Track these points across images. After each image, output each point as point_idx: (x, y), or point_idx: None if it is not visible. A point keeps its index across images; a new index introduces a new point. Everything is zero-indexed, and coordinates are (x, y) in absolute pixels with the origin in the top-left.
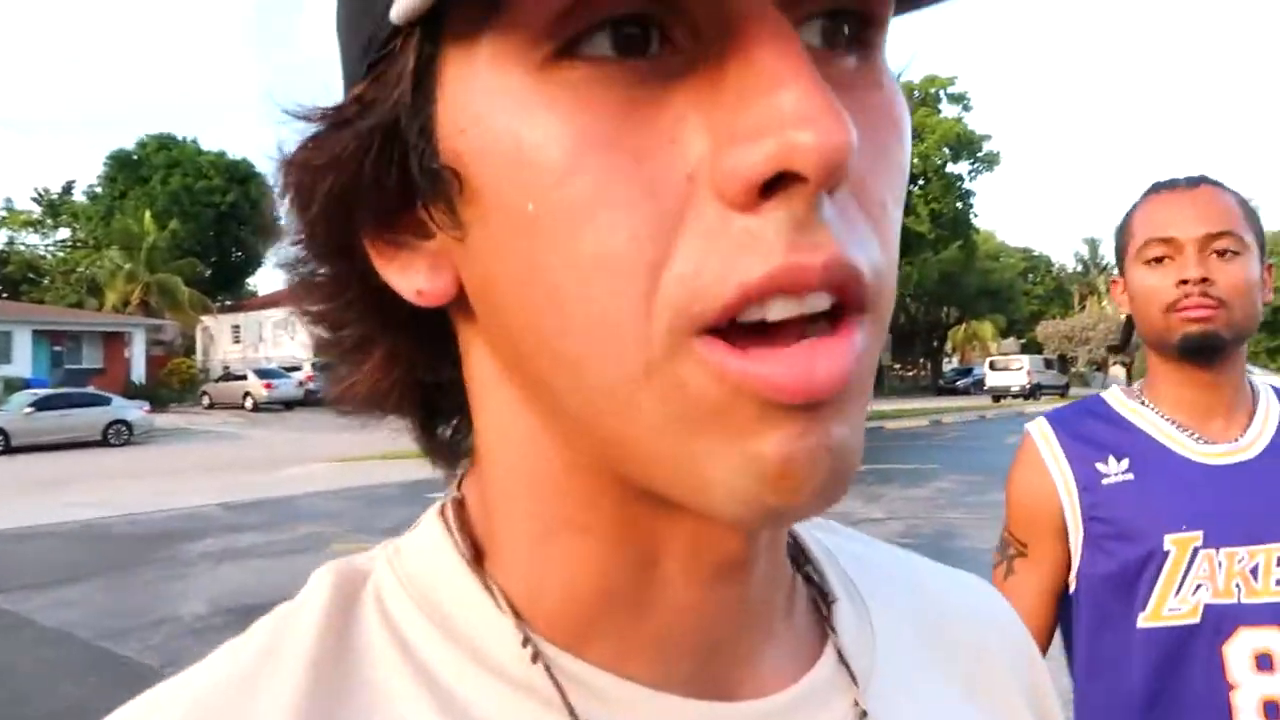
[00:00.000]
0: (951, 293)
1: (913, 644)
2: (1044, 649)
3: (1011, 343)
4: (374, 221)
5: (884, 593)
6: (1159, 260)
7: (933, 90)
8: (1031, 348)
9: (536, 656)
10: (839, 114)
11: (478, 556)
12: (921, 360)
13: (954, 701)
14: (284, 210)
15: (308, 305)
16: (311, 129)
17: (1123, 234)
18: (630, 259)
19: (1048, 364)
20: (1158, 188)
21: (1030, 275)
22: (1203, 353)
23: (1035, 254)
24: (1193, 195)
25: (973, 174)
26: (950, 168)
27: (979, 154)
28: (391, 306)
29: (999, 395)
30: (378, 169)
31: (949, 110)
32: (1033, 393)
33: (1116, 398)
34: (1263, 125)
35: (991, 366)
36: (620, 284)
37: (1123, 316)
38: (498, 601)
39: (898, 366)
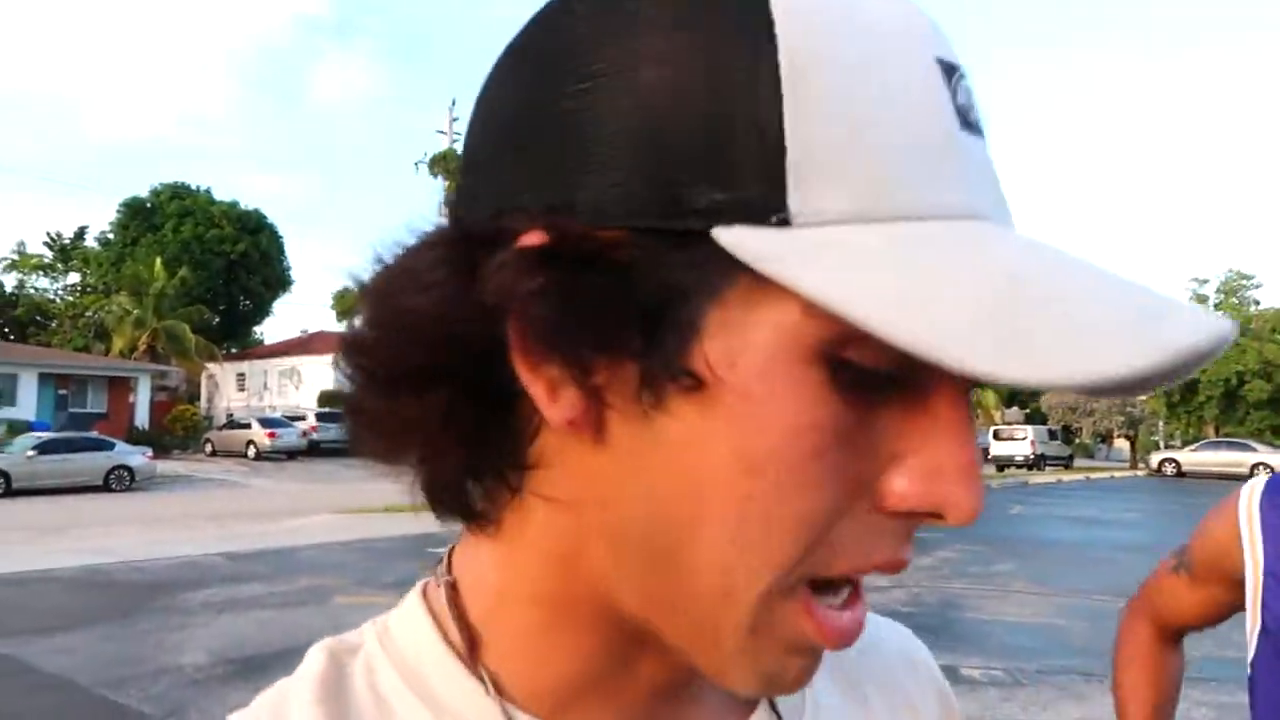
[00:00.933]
0: None
1: (835, 687)
2: (1176, 639)
3: (1015, 412)
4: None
5: None
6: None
7: None
8: (1035, 418)
9: None
10: (980, 484)
11: (471, 642)
12: None
13: None
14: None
15: (396, 384)
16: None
17: None
18: (810, 528)
19: (1051, 435)
20: None
21: None
22: None
23: None
24: None
25: None
26: None
27: None
28: (486, 389)
29: (1003, 465)
30: (621, 322)
31: None
32: (1036, 463)
33: None
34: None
35: (996, 436)
36: (789, 541)
37: None
38: (487, 687)
39: None
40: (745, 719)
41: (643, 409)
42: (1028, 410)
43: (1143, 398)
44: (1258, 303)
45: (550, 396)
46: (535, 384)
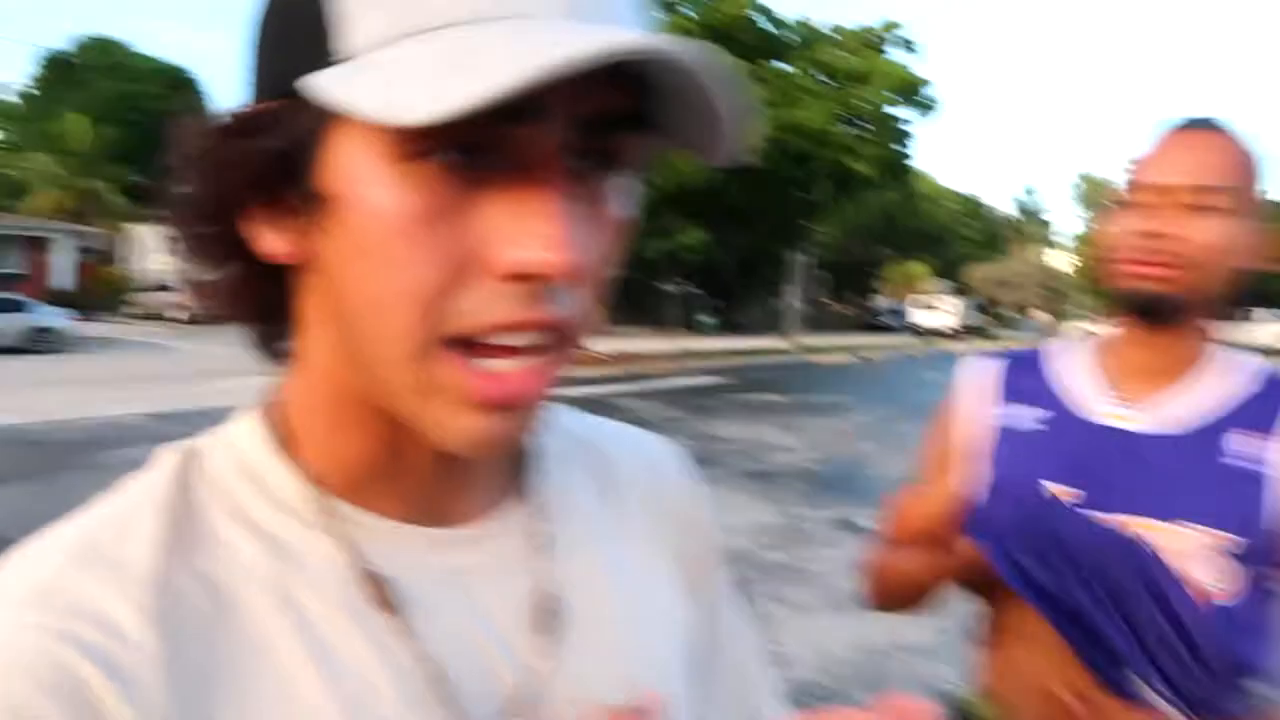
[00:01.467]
0: (889, 233)
1: (594, 485)
2: None
3: (947, 284)
4: (256, 202)
5: (572, 451)
6: (1129, 205)
7: (881, 35)
8: (963, 291)
9: (320, 503)
10: (571, 245)
11: (288, 439)
12: (857, 297)
13: (613, 523)
14: (182, 180)
15: (195, 252)
16: (225, 121)
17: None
18: (418, 296)
19: (981, 308)
20: (1166, 127)
21: (967, 219)
22: (1148, 311)
23: (973, 198)
24: (1185, 140)
25: (914, 120)
26: (893, 110)
27: (921, 100)
28: (251, 255)
29: (919, 331)
30: (274, 173)
31: (897, 56)
32: (959, 333)
33: (1058, 348)
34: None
35: (917, 305)
36: (406, 308)
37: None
38: (296, 471)
39: (831, 302)
40: (503, 502)
41: (317, 234)
42: (958, 284)
43: (1062, 276)
44: None
45: (264, 243)
46: (255, 238)
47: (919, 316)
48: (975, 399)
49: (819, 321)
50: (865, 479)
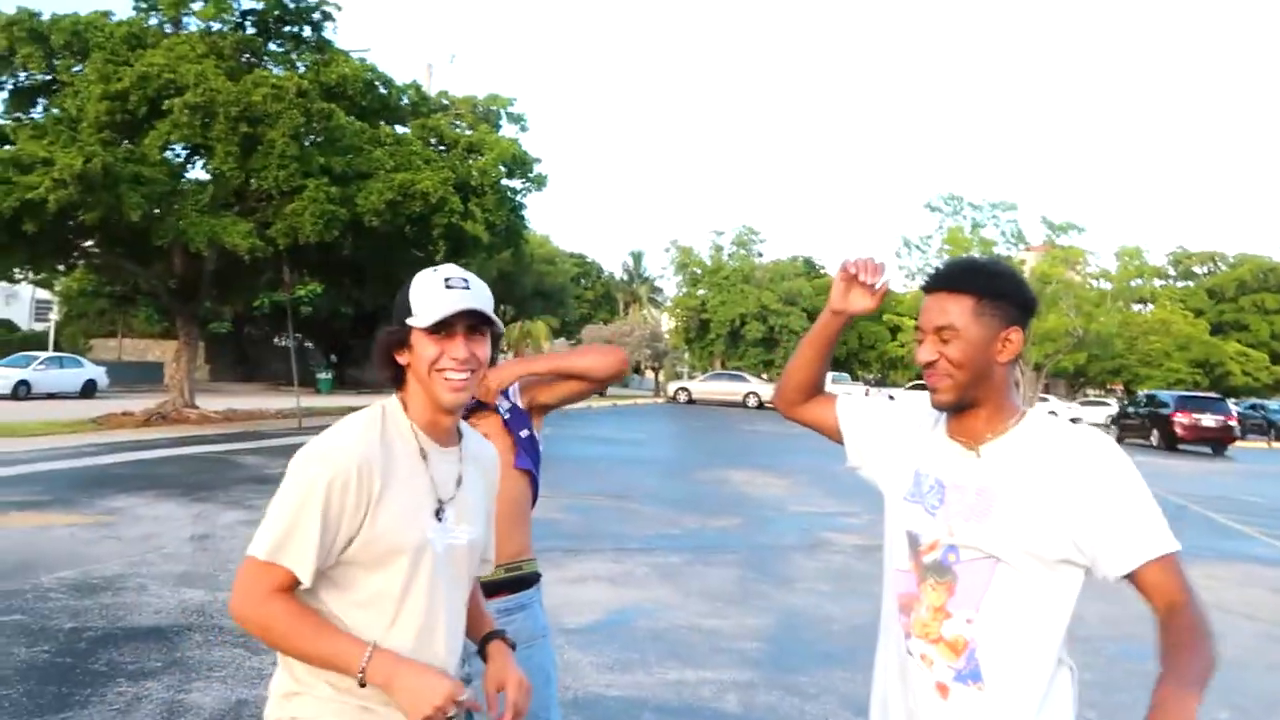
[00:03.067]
0: (508, 292)
1: (470, 444)
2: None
3: (562, 343)
4: (398, 349)
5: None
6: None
7: (494, 109)
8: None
9: (413, 429)
10: (469, 352)
11: (405, 408)
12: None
13: (473, 464)
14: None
15: (382, 365)
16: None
17: None
18: (432, 366)
19: None
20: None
21: (582, 280)
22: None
23: (587, 260)
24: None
25: (524, 191)
26: (506, 182)
27: (530, 175)
28: (395, 361)
29: None
30: (401, 345)
31: (508, 129)
32: None
33: None
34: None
35: None
36: (431, 369)
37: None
38: (409, 417)
39: None
40: (455, 444)
41: (410, 350)
42: (574, 341)
43: (667, 335)
44: (760, 254)
45: (404, 361)
46: (399, 356)
47: None
48: None
49: None
50: None
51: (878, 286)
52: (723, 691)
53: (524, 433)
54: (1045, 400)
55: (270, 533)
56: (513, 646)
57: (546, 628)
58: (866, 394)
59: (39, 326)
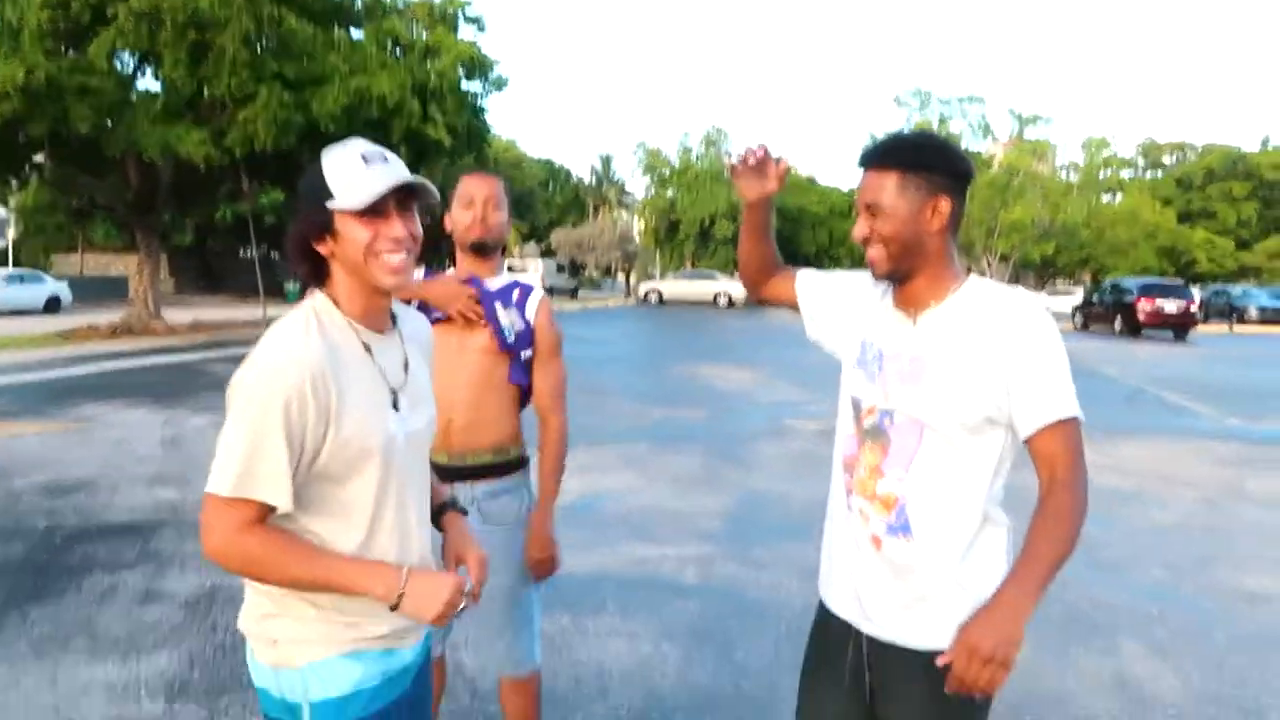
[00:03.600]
0: None
1: (407, 321)
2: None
3: (532, 247)
4: (318, 238)
5: (404, 313)
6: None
7: (451, 11)
8: (549, 253)
9: (350, 323)
10: (403, 230)
11: (336, 303)
12: (447, 260)
13: (414, 343)
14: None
15: (299, 259)
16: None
17: None
18: (369, 250)
19: (559, 268)
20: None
21: (551, 185)
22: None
23: (555, 165)
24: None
25: (484, 94)
26: (465, 85)
27: (490, 77)
28: (314, 251)
29: None
30: (322, 233)
31: (465, 31)
32: (547, 294)
33: None
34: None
35: (509, 270)
36: (367, 251)
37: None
38: (342, 312)
39: (421, 266)
40: (392, 335)
41: (334, 239)
42: (543, 245)
43: (637, 237)
44: (729, 154)
45: (327, 251)
46: (319, 246)
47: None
48: None
49: None
50: None
51: (771, 169)
52: (682, 565)
53: (526, 353)
54: None
55: (230, 466)
56: (464, 513)
57: (532, 508)
58: None
59: None
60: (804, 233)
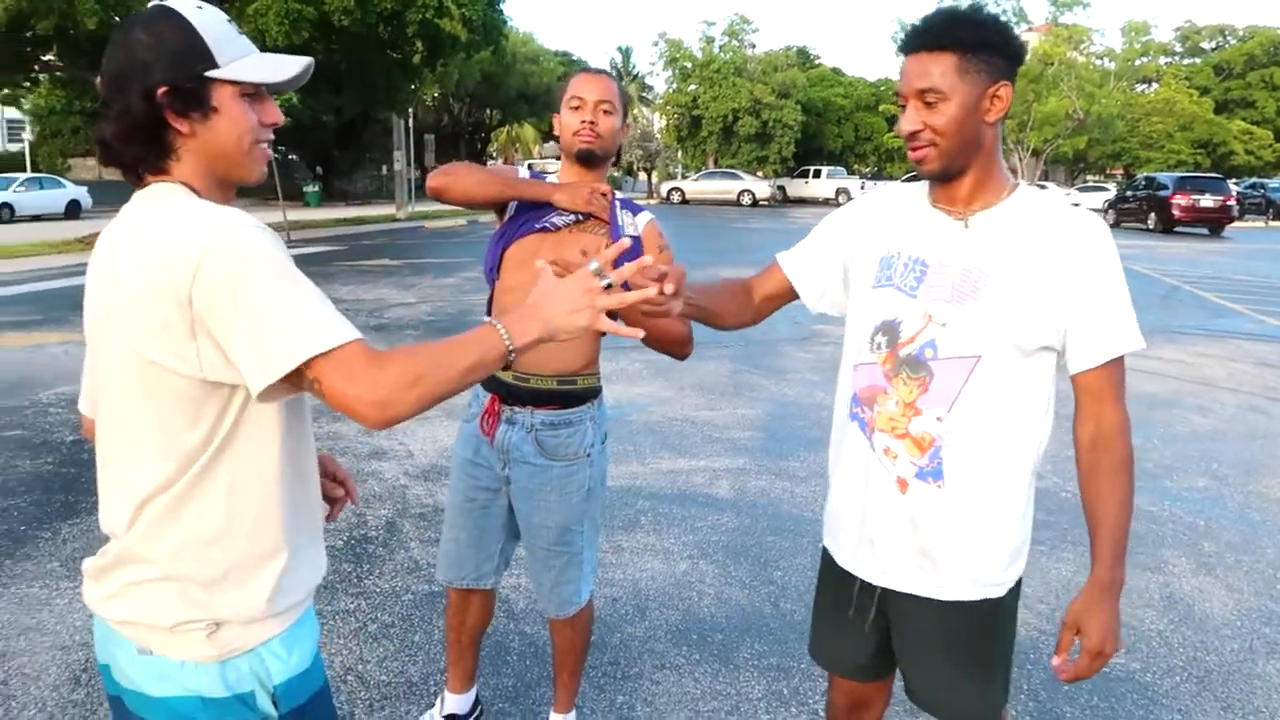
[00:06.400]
0: (492, 95)
1: None
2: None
3: (551, 146)
4: (180, 114)
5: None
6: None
7: None
8: None
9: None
10: (277, 114)
11: (198, 193)
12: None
13: None
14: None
15: (146, 138)
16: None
17: None
18: (253, 136)
19: None
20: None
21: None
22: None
23: (574, 58)
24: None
25: None
26: None
27: None
28: (156, 130)
29: None
30: (189, 106)
31: None
32: None
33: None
34: None
35: (529, 169)
36: (249, 139)
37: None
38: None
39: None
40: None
41: (204, 118)
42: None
43: (658, 135)
44: (754, 46)
45: (188, 130)
46: (175, 122)
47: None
48: None
49: (426, 188)
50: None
51: (669, 302)
52: (715, 478)
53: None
54: (1044, 187)
55: (317, 320)
56: None
57: (595, 444)
58: (862, 188)
59: (13, 147)
60: (828, 128)
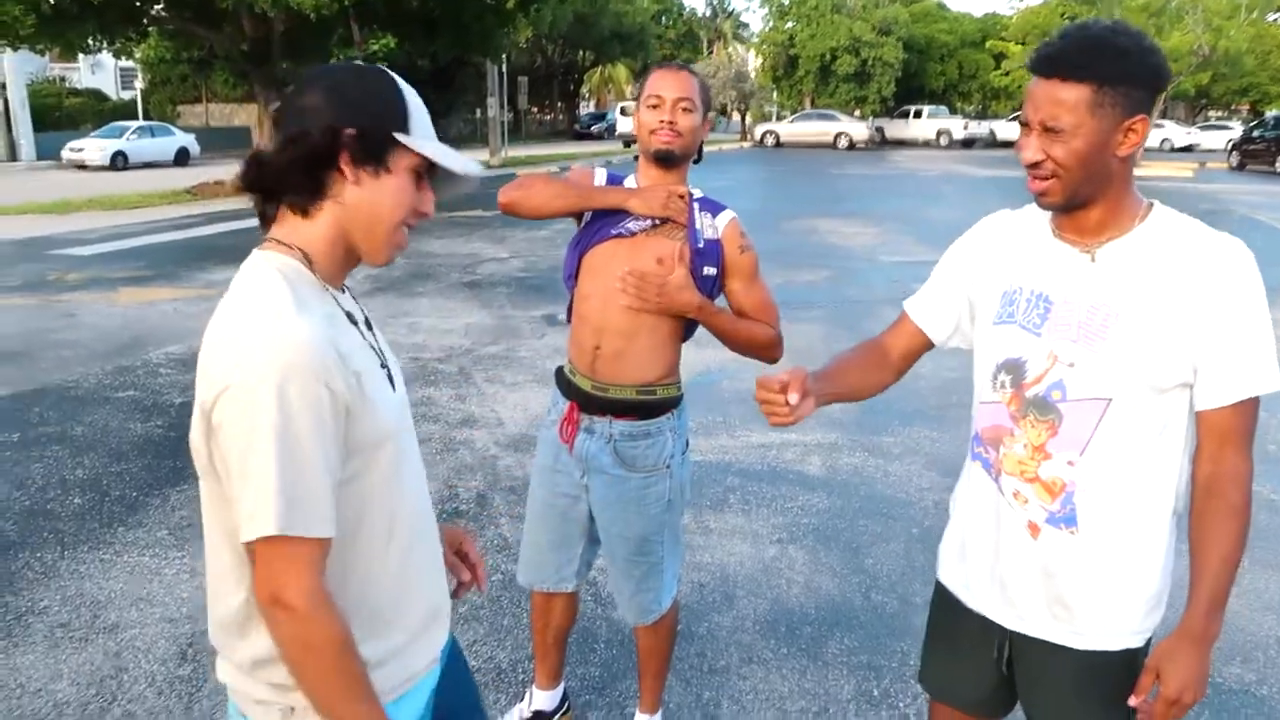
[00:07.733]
0: (585, 35)
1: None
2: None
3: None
4: (356, 162)
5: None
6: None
7: None
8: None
9: (325, 286)
10: (432, 204)
11: (311, 265)
12: (559, 104)
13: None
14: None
15: (306, 176)
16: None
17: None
18: (405, 213)
19: None
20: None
21: (663, 18)
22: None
23: None
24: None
25: None
26: None
27: None
28: (318, 175)
29: (629, 141)
30: (367, 158)
31: None
32: None
33: None
34: None
35: (623, 112)
36: (398, 218)
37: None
38: (314, 274)
39: (535, 111)
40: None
41: (373, 175)
42: None
43: (753, 74)
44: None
45: (342, 187)
46: (346, 166)
47: (623, 123)
48: None
49: (523, 133)
50: (557, 282)
51: (801, 404)
52: (806, 454)
53: (708, 270)
54: (1161, 126)
55: (280, 495)
56: None
57: (675, 455)
58: (965, 128)
59: (126, 95)
60: (930, 65)
